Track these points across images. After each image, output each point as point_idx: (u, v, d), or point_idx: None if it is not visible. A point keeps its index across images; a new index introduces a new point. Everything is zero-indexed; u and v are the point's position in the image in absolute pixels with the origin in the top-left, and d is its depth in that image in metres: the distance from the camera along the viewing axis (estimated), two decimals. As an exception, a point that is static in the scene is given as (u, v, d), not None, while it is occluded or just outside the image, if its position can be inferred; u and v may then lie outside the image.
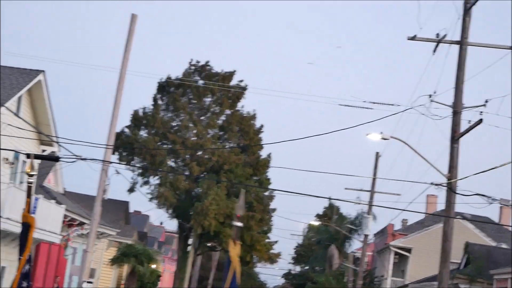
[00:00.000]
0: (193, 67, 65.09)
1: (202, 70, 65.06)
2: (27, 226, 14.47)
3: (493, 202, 23.74)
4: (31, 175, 14.38)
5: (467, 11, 27.11)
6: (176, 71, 65.72)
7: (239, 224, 11.86)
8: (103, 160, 28.02)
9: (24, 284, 14.33)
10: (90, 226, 30.05)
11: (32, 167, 14.56)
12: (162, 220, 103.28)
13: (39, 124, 34.60)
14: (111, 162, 28.85)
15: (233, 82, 65.49)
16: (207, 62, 65.34)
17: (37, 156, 29.52)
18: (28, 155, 26.70)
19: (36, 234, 31.57)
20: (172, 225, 76.36)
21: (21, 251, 14.32)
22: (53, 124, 34.66)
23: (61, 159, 25.11)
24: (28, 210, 14.66)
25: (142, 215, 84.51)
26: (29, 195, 14.66)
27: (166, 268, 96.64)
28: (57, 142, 33.32)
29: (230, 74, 65.33)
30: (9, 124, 30.13)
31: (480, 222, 51.04)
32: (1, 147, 31.10)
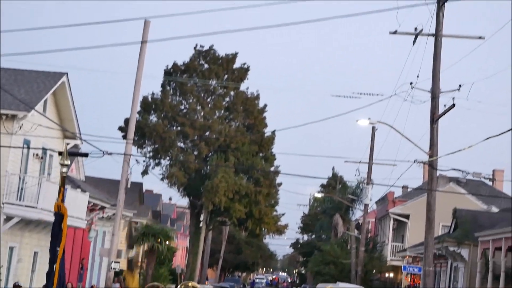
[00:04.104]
0: (198, 52, 68.46)
1: (207, 54, 68.46)
2: (60, 216, 14.09)
3: (466, 176, 27.37)
4: (65, 165, 14.44)
5: (440, 7, 30.64)
6: (184, 56, 69.31)
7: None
8: (125, 154, 31.69)
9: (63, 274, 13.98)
10: (116, 211, 33.70)
11: (66, 158, 14.52)
12: (174, 197, 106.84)
13: (63, 120, 38.22)
14: (132, 155, 32.49)
15: (236, 64, 69.00)
16: (211, 46, 68.78)
17: (69, 153, 33.35)
18: (60, 153, 30.46)
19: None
20: (182, 200, 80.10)
21: (55, 241, 14.09)
22: (76, 119, 38.31)
23: (90, 155, 28.85)
24: (62, 199, 14.23)
25: (154, 194, 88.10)
26: (62, 185, 14.44)
27: (178, 244, 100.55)
28: (81, 139, 36.93)
29: (233, 57, 68.77)
30: (39, 125, 33.78)
31: (456, 193, 54.56)
32: (32, 145, 34.87)
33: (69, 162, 15.19)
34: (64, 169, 14.75)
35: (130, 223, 58.77)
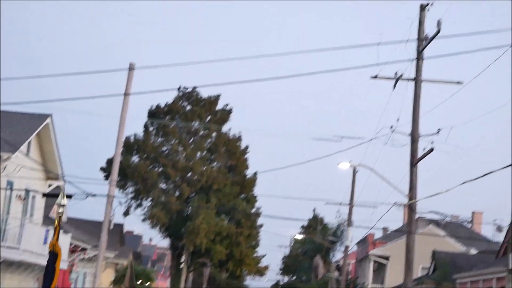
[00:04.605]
0: (181, 93, 68.96)
1: (190, 96, 68.98)
2: (54, 255, 14.51)
3: (444, 218, 27.84)
4: (62, 205, 15.15)
5: (420, 53, 31.34)
6: (167, 97, 69.85)
7: None
8: (108, 195, 31.92)
9: None
10: (98, 253, 33.83)
11: (64, 198, 15.96)
12: (154, 238, 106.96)
13: (46, 161, 38.51)
14: (115, 197, 32.67)
15: (219, 105, 69.51)
16: (194, 88, 69.31)
17: (52, 195, 33.59)
18: (45, 194, 30.73)
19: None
20: (162, 241, 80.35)
21: (48, 280, 14.42)
22: (59, 161, 38.60)
23: (74, 197, 29.13)
24: (57, 238, 14.71)
25: (135, 235, 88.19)
26: (58, 224, 14.90)
27: (159, 285, 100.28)
28: (64, 180, 37.17)
29: (216, 99, 69.33)
30: (23, 166, 34.04)
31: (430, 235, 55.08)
32: (15, 187, 35.09)
33: (66, 202, 15.68)
34: (61, 209, 15.16)
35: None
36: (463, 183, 20.93)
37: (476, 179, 20.27)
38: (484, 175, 19.85)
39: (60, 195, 15.52)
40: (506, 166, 21.61)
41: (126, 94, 31.04)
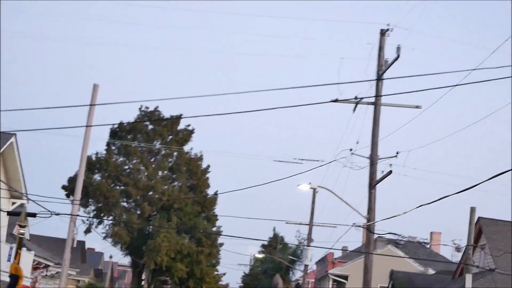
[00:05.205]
0: (143, 113, 69.41)
1: (152, 115, 69.46)
2: (16, 278, 15.10)
3: (402, 240, 28.63)
4: (23, 226, 16.06)
5: (379, 77, 32.20)
6: (129, 116, 70.34)
7: None
8: (71, 214, 32.34)
9: None
10: (61, 270, 34.15)
11: (24, 220, 16.33)
12: (115, 256, 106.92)
13: (10, 180, 38.72)
14: (78, 215, 33.11)
15: (181, 125, 70.08)
16: (156, 107, 69.79)
17: (16, 213, 33.85)
18: (9, 213, 31.02)
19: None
20: (123, 259, 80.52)
21: None
22: (23, 179, 38.84)
23: (38, 215, 29.50)
24: (18, 261, 15.88)
25: (96, 252, 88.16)
26: (19, 247, 15.98)
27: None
28: (28, 198, 37.48)
29: (178, 118, 69.83)
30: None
31: (393, 256, 55.93)
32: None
33: (27, 223, 16.21)
34: (22, 230, 15.63)
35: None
36: (419, 206, 21.73)
37: (431, 203, 21.06)
38: (439, 199, 20.64)
39: (21, 216, 15.89)
40: (461, 191, 22.44)
41: (87, 126, 31.50)
